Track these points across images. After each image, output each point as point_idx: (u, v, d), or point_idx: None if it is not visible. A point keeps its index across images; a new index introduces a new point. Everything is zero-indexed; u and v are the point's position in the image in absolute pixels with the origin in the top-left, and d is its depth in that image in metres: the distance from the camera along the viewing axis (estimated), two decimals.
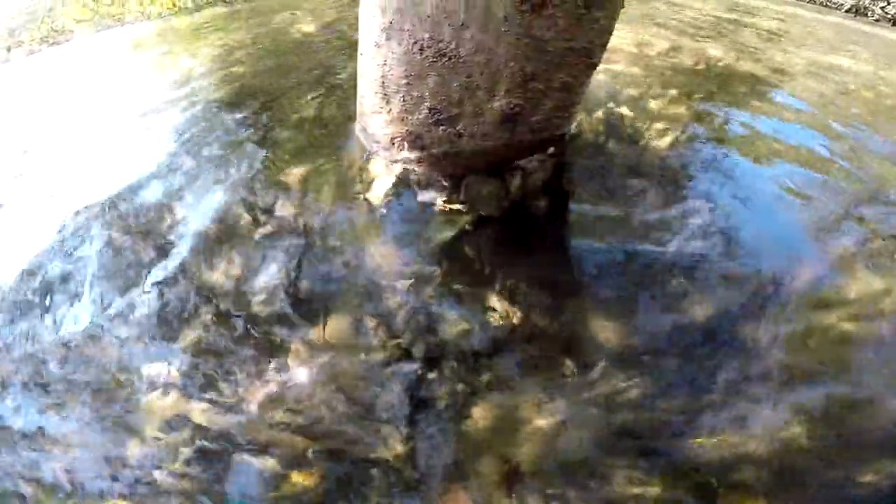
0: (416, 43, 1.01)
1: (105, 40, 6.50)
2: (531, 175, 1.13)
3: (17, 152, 1.73)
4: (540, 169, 1.14)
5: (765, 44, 2.81)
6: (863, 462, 0.82)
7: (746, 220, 1.23)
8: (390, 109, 1.12)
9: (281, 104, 1.79)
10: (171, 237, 1.19)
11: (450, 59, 1.00)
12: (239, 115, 1.77)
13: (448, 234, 1.12)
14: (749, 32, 3.22)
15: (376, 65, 1.10)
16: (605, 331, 1.00)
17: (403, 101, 1.09)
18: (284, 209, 1.24)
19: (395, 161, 1.16)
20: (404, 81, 1.07)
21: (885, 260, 1.13)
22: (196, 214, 1.24)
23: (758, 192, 1.33)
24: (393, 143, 1.16)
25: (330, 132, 1.53)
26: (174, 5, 7.27)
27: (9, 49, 7.33)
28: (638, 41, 2.28)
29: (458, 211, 1.13)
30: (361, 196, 1.16)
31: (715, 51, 2.38)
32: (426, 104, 1.07)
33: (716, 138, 1.56)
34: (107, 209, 1.30)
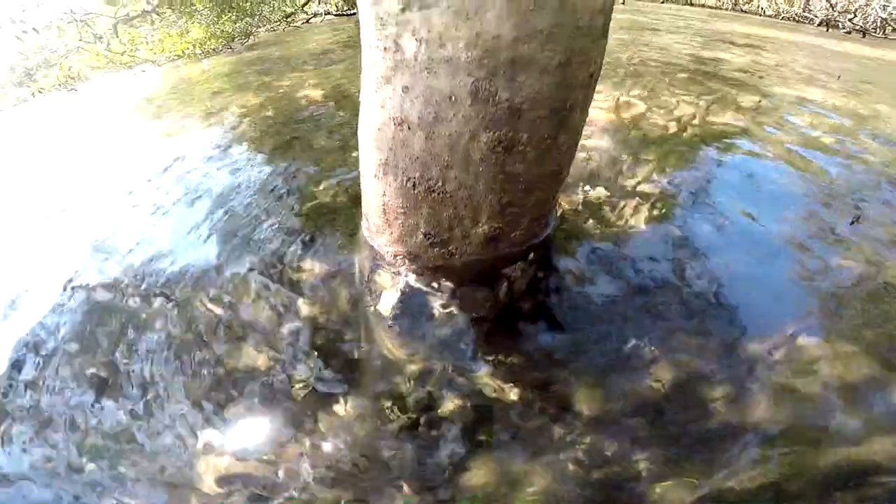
0: (408, 180, 1.21)
1: (117, 91, 6.80)
2: (515, 281, 1.33)
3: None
4: (522, 276, 1.33)
5: (737, 89, 2.97)
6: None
7: (716, 293, 1.41)
8: (391, 233, 1.33)
9: (297, 188, 2.01)
10: (203, 324, 1.41)
11: (438, 194, 1.20)
12: (255, 199, 1.99)
13: (446, 331, 1.31)
14: (725, 72, 3.39)
15: (377, 194, 1.30)
16: (584, 399, 1.18)
17: (402, 226, 1.29)
18: (305, 308, 1.45)
19: (399, 273, 1.37)
20: (401, 211, 1.27)
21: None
22: (222, 303, 1.47)
23: (728, 265, 1.50)
24: (396, 259, 1.36)
25: (342, 224, 1.74)
26: (182, 53, 7.56)
27: (32, 93, 7.55)
28: (615, 105, 2.47)
29: (454, 314, 1.33)
30: (372, 305, 1.37)
31: (688, 105, 2.56)
32: (421, 230, 1.27)
33: (685, 213, 1.74)
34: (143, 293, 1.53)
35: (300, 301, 1.46)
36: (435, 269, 1.32)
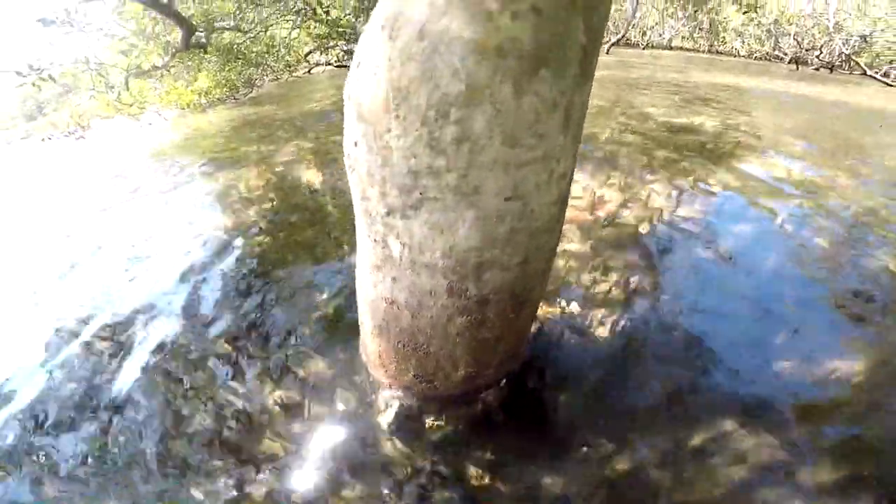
0: (399, 342, 1.45)
1: (124, 140, 7.12)
2: (491, 400, 1.60)
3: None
4: (496, 397, 1.61)
5: (708, 168, 3.22)
6: None
7: (674, 400, 1.62)
8: (386, 370, 1.55)
9: (298, 298, 2.23)
10: (218, 412, 1.63)
11: (424, 353, 1.43)
12: (262, 300, 2.22)
13: (434, 437, 1.56)
14: (698, 143, 3.64)
15: (374, 346, 1.55)
16: (555, 483, 1.40)
17: (395, 368, 1.52)
18: (314, 409, 1.68)
19: (394, 396, 1.60)
20: (394, 360, 1.50)
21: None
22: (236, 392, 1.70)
23: (694, 370, 1.71)
24: (391, 387, 1.60)
25: (342, 339, 1.96)
26: (188, 104, 7.88)
27: (42, 139, 7.85)
28: (591, 203, 2.71)
29: (441, 426, 1.57)
30: (371, 416, 1.61)
31: (659, 196, 2.80)
32: (411, 373, 1.50)
33: (649, 319, 1.95)
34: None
35: (307, 402, 1.70)
36: (424, 398, 1.56)
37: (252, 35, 8.22)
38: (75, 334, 2.18)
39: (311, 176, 3.51)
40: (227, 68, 8.18)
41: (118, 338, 2.12)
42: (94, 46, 7.59)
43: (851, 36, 19.09)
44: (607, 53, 9.12)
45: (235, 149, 4.74)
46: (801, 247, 2.34)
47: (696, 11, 16.35)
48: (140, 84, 7.78)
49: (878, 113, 6.24)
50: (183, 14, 6.33)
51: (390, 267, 1.27)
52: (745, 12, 17.14)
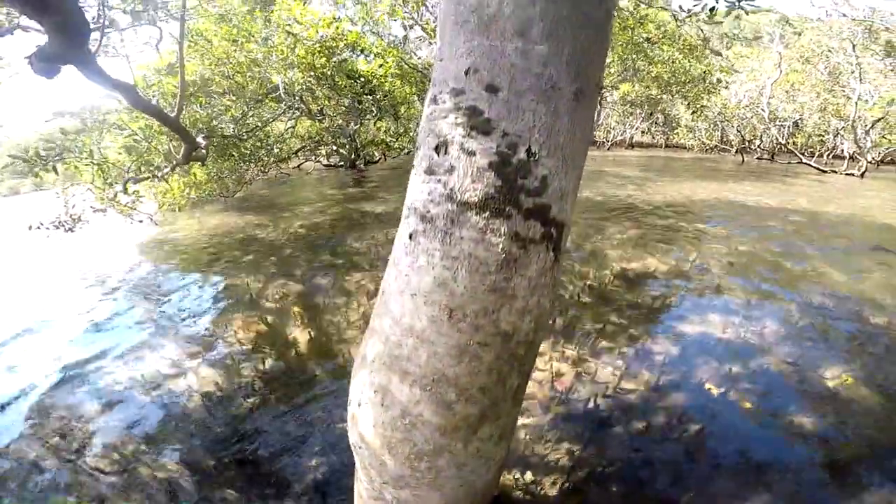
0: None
1: (114, 238, 7.30)
2: None
3: None
4: None
5: (653, 337, 3.67)
6: None
7: None
8: None
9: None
10: None
11: None
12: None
13: None
14: (649, 297, 4.14)
15: None
16: None
17: None
18: None
19: None
20: None
21: None
22: None
23: None
24: None
25: None
26: (180, 207, 8.18)
27: (29, 227, 7.93)
28: (549, 377, 3.10)
29: None
30: None
31: (607, 370, 3.21)
32: None
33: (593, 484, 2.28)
34: None
35: None
36: None
37: (247, 130, 8.82)
38: None
39: (299, 334, 3.82)
40: (221, 162, 8.69)
41: None
42: (100, 137, 7.99)
43: (785, 122, 21.53)
44: None
45: (222, 279, 5.05)
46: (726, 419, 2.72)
47: (650, 113, 18.29)
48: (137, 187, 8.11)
49: (803, 216, 7.11)
50: (187, 128, 6.85)
51: None
52: (693, 112, 19.26)
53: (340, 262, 5.52)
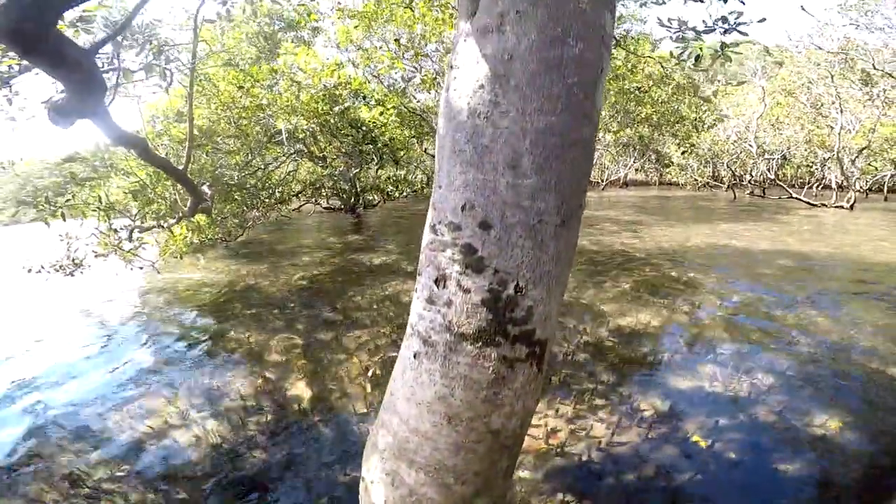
0: None
1: (114, 284, 7.39)
2: None
3: None
4: None
5: (644, 393, 3.78)
6: None
7: None
8: None
9: None
10: None
11: None
12: None
13: None
14: (639, 349, 4.27)
15: None
16: None
17: None
18: None
19: None
20: None
21: None
22: None
23: None
24: None
25: None
26: (181, 256, 8.29)
27: (27, 270, 7.99)
28: (545, 433, 3.19)
29: None
30: None
31: (600, 425, 3.30)
32: None
33: None
34: None
35: None
36: None
37: (250, 173, 9.07)
38: None
39: (302, 389, 3.92)
40: (223, 205, 8.90)
41: None
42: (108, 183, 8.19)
43: (773, 155, 22.06)
44: None
45: (224, 333, 5.17)
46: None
47: (643, 152, 18.90)
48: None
49: (793, 259, 7.30)
50: (193, 176, 7.09)
51: None
52: (683, 151, 19.83)
53: (340, 318, 5.65)
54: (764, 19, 2.90)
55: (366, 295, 6.49)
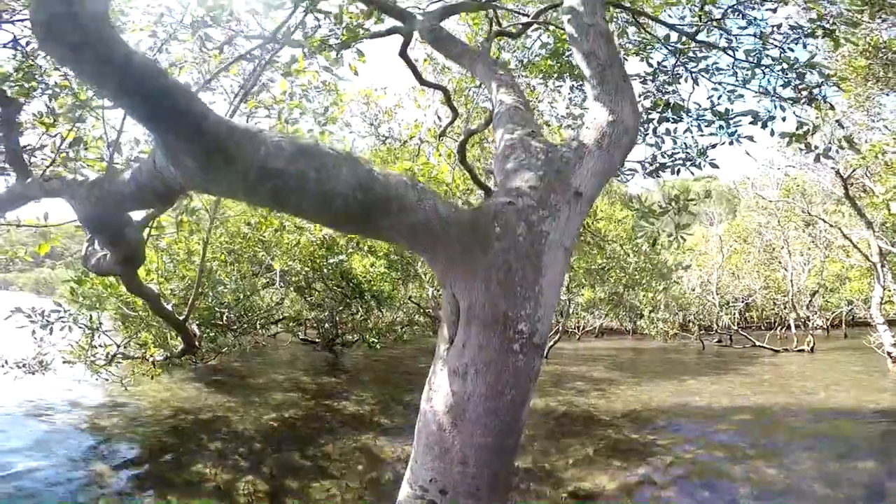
0: None
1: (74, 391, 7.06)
2: None
3: None
4: None
5: None
6: None
7: None
8: None
9: None
10: None
11: None
12: None
13: None
14: None
15: None
16: None
17: None
18: None
19: None
20: None
21: None
22: None
23: None
24: None
25: None
26: (153, 370, 7.97)
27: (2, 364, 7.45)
28: None
29: None
30: None
31: None
32: None
33: None
34: None
35: None
36: None
37: (237, 298, 9.22)
38: None
39: None
40: (202, 330, 8.96)
41: None
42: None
43: (736, 303, 22.76)
44: (546, 357, 10.80)
45: (189, 464, 5.07)
46: None
47: (616, 304, 19.94)
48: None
49: (750, 414, 7.55)
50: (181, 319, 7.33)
51: None
52: (651, 310, 20.83)
53: (309, 464, 5.63)
54: (709, 194, 3.83)
55: (336, 445, 6.44)
